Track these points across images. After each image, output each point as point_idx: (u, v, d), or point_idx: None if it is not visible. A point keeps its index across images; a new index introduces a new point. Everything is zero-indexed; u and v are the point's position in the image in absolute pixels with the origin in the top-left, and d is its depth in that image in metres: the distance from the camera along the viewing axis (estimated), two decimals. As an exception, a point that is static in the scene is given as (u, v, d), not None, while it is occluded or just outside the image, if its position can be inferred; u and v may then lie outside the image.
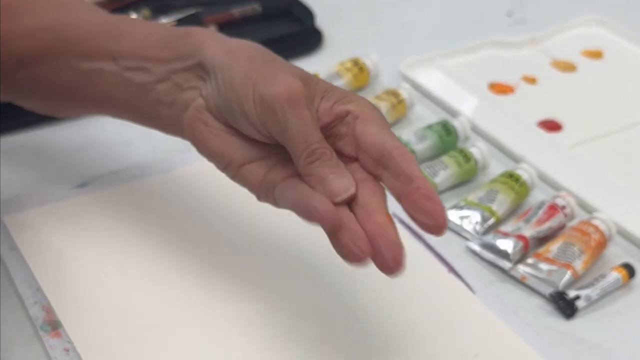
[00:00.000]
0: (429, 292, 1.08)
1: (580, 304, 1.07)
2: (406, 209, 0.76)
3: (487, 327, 1.05)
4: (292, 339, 0.95)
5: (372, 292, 1.06)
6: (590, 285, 1.09)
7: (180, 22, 1.42)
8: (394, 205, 0.83)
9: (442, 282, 1.10)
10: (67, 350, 0.97)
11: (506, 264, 1.12)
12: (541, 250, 1.13)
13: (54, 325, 1.00)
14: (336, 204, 0.71)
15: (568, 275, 1.09)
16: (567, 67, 1.54)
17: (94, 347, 0.97)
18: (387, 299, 1.06)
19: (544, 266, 1.10)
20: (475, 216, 1.18)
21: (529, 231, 1.14)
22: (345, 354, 0.96)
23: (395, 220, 1.09)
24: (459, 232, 1.18)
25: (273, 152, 0.79)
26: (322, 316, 1.00)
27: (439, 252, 1.14)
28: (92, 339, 0.98)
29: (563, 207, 1.17)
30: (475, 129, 1.35)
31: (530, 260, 1.12)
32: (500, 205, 1.19)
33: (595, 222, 1.15)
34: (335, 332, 0.99)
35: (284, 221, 0.96)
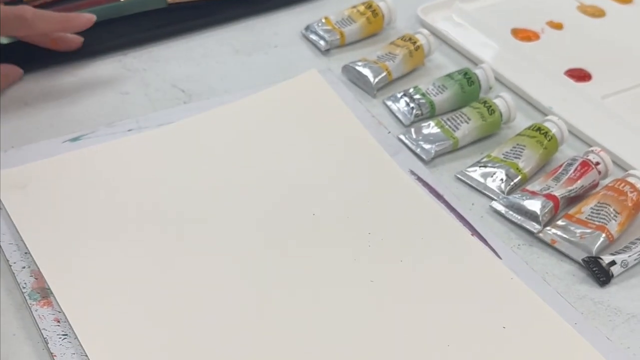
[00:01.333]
0: (450, 257, 1.00)
1: (615, 269, 0.98)
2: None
3: (515, 297, 0.97)
4: (315, 307, 0.91)
5: (391, 259, 0.98)
6: (626, 249, 1.00)
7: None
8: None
9: (465, 247, 1.02)
10: (57, 321, 0.89)
11: (534, 226, 1.04)
12: (573, 211, 1.05)
13: (44, 294, 0.92)
14: None
15: (602, 238, 1.00)
16: (596, 12, 1.44)
17: (88, 317, 0.89)
18: (406, 266, 0.97)
19: (575, 229, 1.02)
20: (500, 174, 1.09)
21: (559, 190, 1.05)
22: (367, 322, 0.92)
23: (415, 180, 0.98)
24: (482, 191, 1.09)
25: None
26: (338, 282, 0.95)
27: (461, 213, 1.05)
28: (86, 309, 0.90)
29: (597, 164, 1.08)
30: (499, 79, 1.25)
31: (560, 222, 1.03)
32: (528, 161, 1.10)
33: (632, 180, 1.06)
34: (354, 300, 0.94)
35: (287, 176, 0.89)
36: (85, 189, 1.02)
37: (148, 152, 1.08)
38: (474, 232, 1.03)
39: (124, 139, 1.09)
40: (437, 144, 1.13)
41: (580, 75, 1.28)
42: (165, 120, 1.13)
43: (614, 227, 1.01)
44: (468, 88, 1.19)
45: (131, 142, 1.09)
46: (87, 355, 0.86)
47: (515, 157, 1.10)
